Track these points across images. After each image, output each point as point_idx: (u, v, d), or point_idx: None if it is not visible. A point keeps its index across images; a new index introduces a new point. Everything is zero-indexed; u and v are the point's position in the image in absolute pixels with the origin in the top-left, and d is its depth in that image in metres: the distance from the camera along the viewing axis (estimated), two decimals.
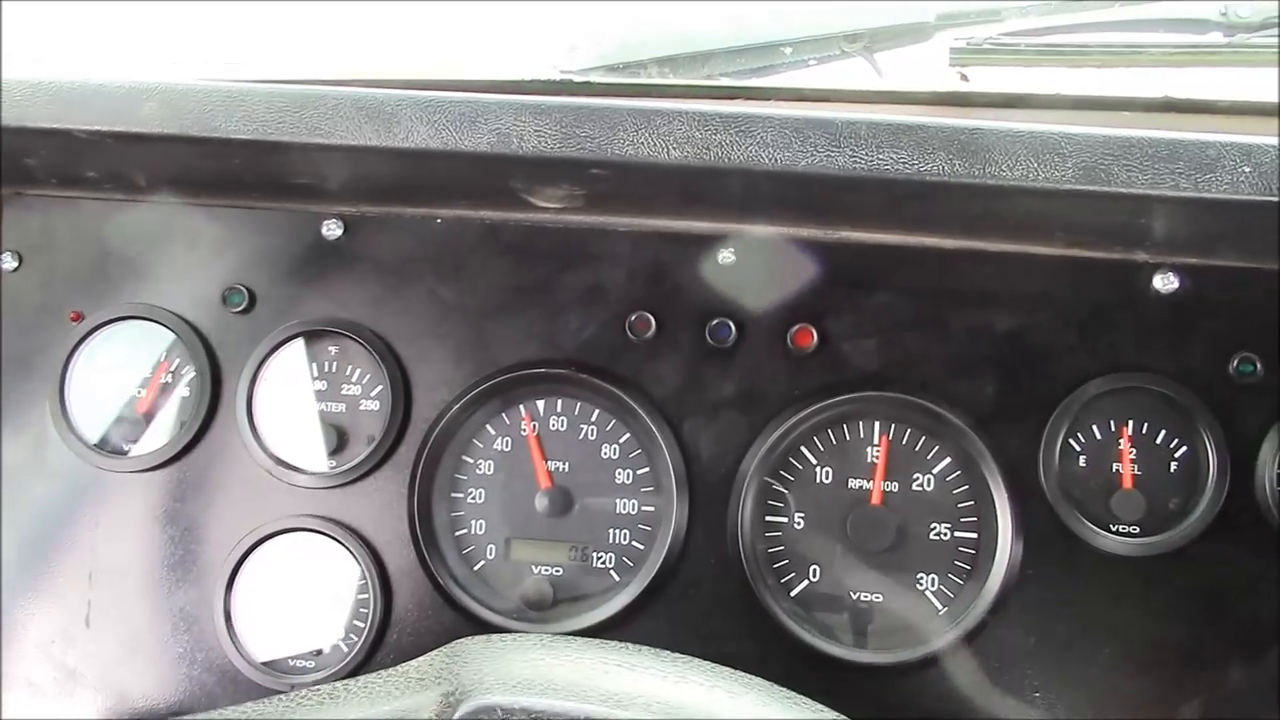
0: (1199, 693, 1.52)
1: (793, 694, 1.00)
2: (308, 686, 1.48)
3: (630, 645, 1.00)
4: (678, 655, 1.00)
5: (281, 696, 0.97)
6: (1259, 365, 1.52)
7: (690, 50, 2.02)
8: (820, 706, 0.99)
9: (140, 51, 1.84)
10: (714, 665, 1.00)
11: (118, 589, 1.64)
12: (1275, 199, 1.32)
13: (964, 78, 1.87)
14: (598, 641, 1.01)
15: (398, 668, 0.97)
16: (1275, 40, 1.84)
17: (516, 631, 1.54)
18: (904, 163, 1.37)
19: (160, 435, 1.66)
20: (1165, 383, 1.53)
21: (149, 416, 1.66)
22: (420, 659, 0.98)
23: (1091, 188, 1.35)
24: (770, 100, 1.76)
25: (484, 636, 1.00)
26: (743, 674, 1.00)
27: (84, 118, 1.47)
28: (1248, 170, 1.33)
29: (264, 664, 1.60)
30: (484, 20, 2.06)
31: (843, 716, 0.98)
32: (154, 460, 1.63)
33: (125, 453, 1.66)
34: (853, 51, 2.02)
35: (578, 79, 1.84)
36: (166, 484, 1.64)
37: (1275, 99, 1.69)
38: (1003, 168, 1.36)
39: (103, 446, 1.66)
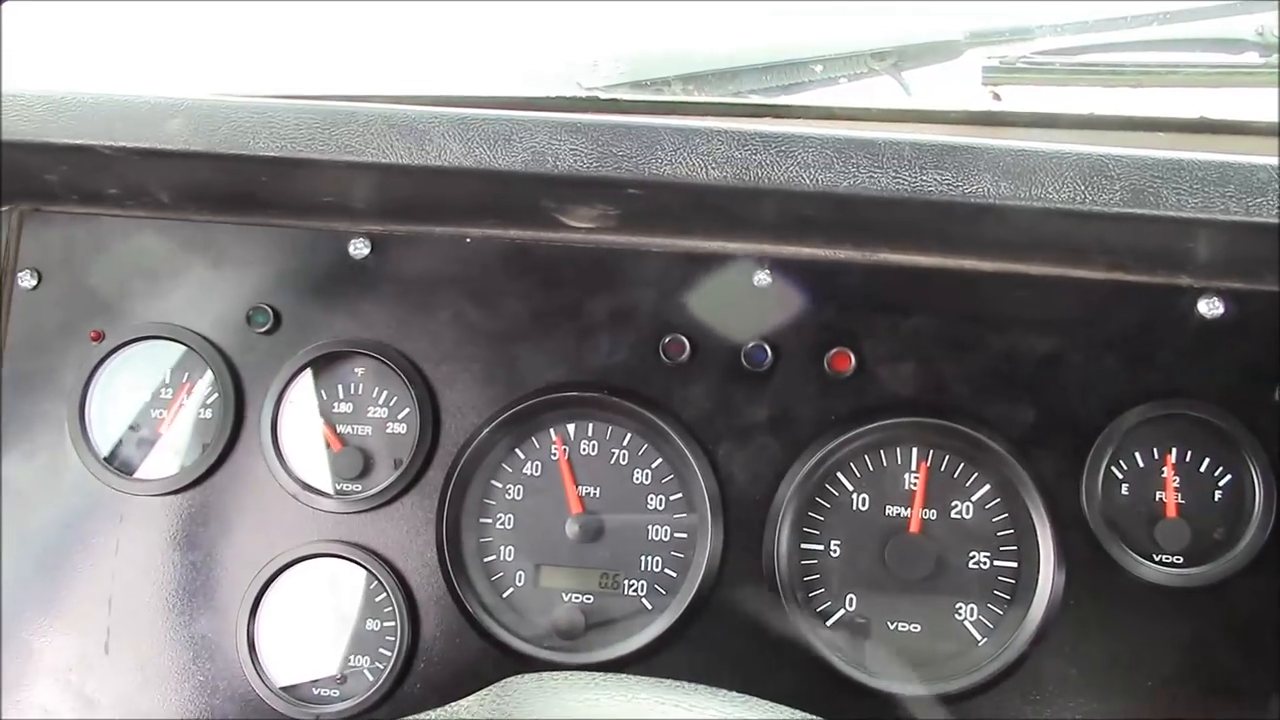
0: None
1: None
2: (336, 716, 1.47)
3: (687, 685, 0.97)
4: (736, 695, 0.97)
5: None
6: None
7: (715, 67, 2.00)
8: None
9: (163, 66, 1.81)
10: (774, 705, 0.96)
11: (138, 615, 1.60)
12: None
13: (996, 97, 1.85)
14: (653, 680, 0.98)
15: (447, 707, 0.94)
16: None
17: (547, 661, 1.52)
18: (949, 184, 1.34)
19: (182, 458, 1.63)
20: (1210, 409, 1.50)
21: (171, 439, 1.63)
22: (470, 698, 0.95)
23: (1141, 211, 1.32)
24: (799, 119, 1.74)
25: (536, 675, 0.97)
26: (804, 714, 0.97)
27: (108, 133, 1.44)
28: None
29: (288, 692, 1.57)
30: (503, 34, 2.04)
31: None
32: (175, 484, 1.60)
33: (146, 476, 1.62)
34: (881, 69, 2.00)
35: (604, 95, 1.82)
36: (188, 508, 1.61)
37: None
38: (1049, 190, 1.33)
39: (123, 469, 1.62)
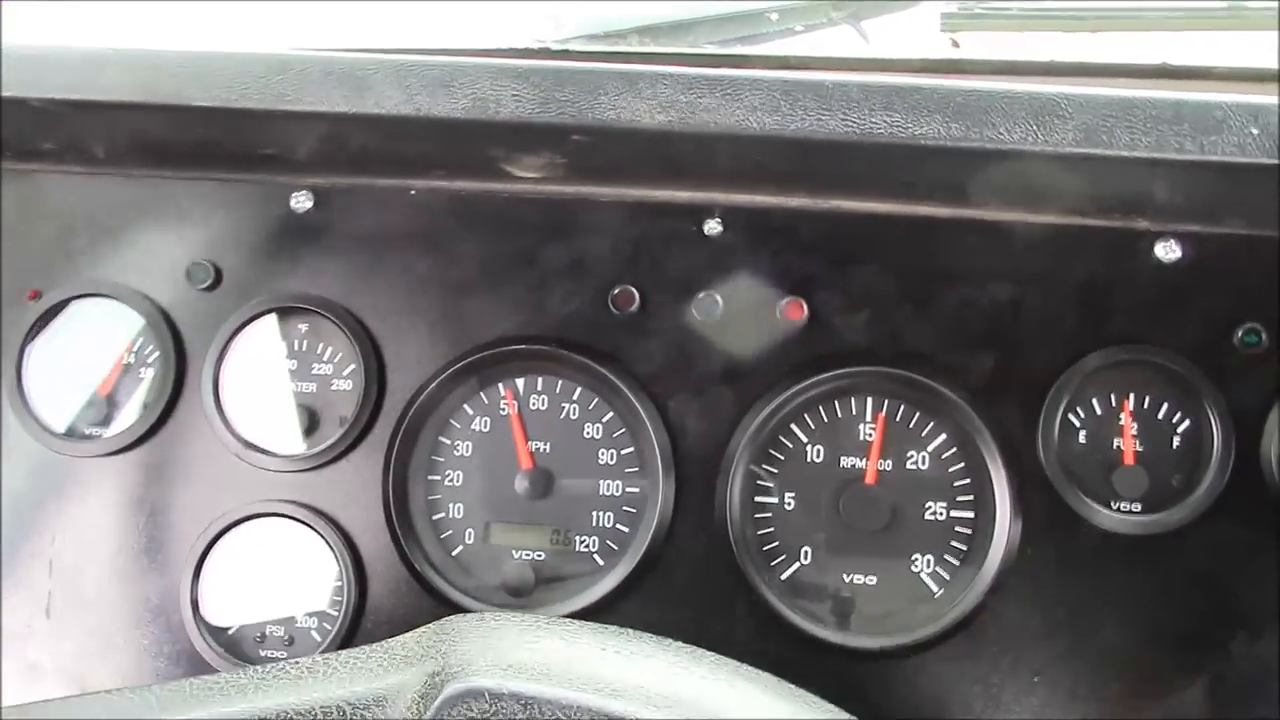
0: (1202, 672, 1.47)
1: (801, 691, 0.94)
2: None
3: (631, 631, 0.94)
4: (681, 644, 0.94)
5: (259, 668, 0.91)
6: (1264, 336, 1.47)
7: (673, 20, 1.97)
8: (831, 706, 0.93)
9: (98, 19, 1.77)
10: (718, 656, 0.94)
11: (80, 578, 1.57)
12: None
13: (955, 44, 1.83)
14: (597, 625, 0.95)
15: (383, 643, 0.91)
16: (1272, 4, 1.80)
17: None
18: (898, 126, 1.31)
19: (123, 418, 1.59)
20: (1167, 355, 1.48)
21: (111, 399, 1.60)
22: (408, 635, 0.92)
23: (1093, 150, 1.30)
24: (756, 68, 1.71)
25: (477, 615, 0.94)
26: (749, 668, 0.94)
27: (40, 85, 1.41)
28: (1255, 132, 1.28)
29: (234, 653, 1.54)
30: None
31: (851, 717, 0.92)
32: (117, 444, 1.57)
33: (87, 436, 1.59)
34: (840, 18, 1.98)
35: (555, 47, 1.78)
36: (130, 468, 1.58)
37: (1275, 64, 1.65)
38: (1000, 130, 1.31)
39: (63, 430, 1.59)
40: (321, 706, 0.85)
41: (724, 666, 0.93)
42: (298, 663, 0.90)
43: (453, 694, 0.83)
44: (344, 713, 0.85)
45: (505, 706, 0.82)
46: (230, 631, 1.56)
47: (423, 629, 0.93)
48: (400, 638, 0.92)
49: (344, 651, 0.91)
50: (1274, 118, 1.29)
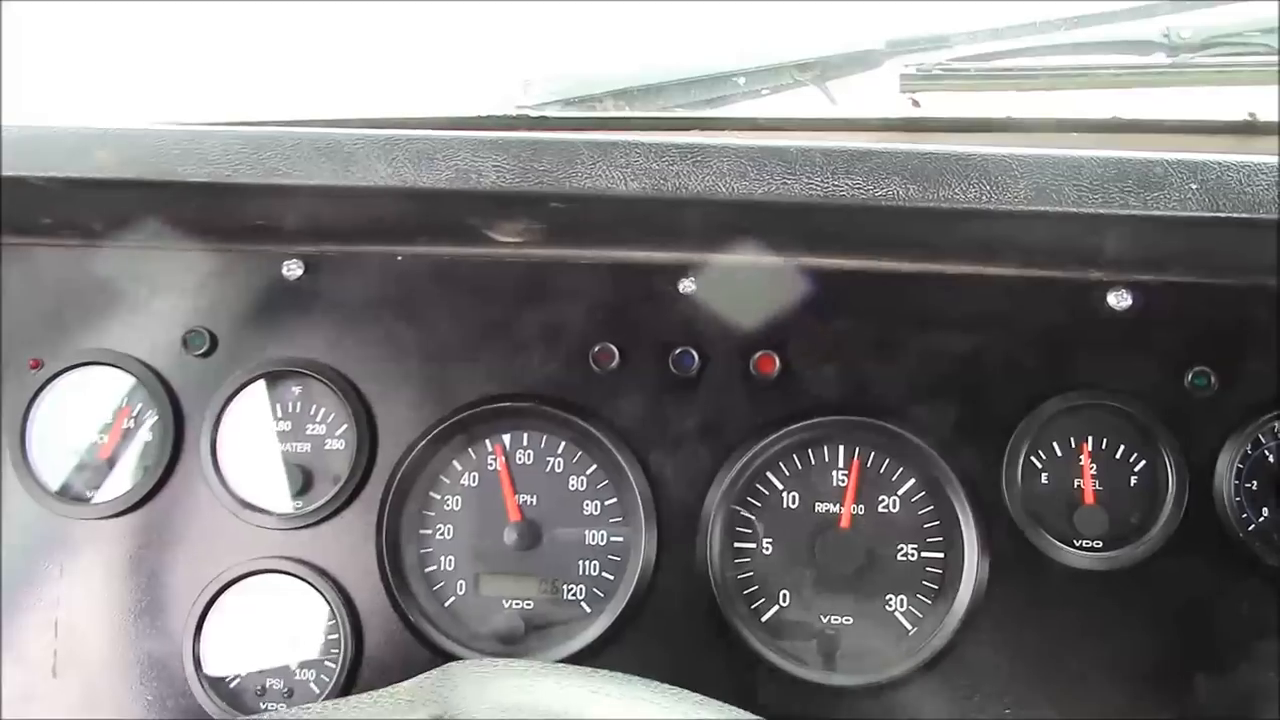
0: (1168, 704, 1.53)
1: None
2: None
3: (622, 675, 1.00)
4: (670, 686, 1.00)
5: (265, 715, 0.96)
6: (1213, 379, 1.54)
7: (643, 83, 2.03)
8: None
9: (91, 96, 1.83)
10: (705, 698, 0.99)
11: (85, 639, 1.62)
12: (1222, 215, 1.34)
13: (915, 103, 1.89)
14: (589, 669, 1.00)
15: (387, 689, 0.96)
16: (1217, 60, 1.88)
17: None
18: (859, 189, 1.38)
19: (123, 482, 1.64)
20: (1122, 399, 1.55)
21: (112, 463, 1.65)
22: (410, 681, 0.97)
23: (1044, 208, 1.37)
24: (726, 130, 1.78)
25: (475, 660, 1.00)
26: (738, 710, 0.99)
27: (37, 165, 1.46)
28: (1194, 187, 1.35)
29: (235, 708, 1.58)
30: (438, 57, 2.07)
31: None
32: (117, 507, 1.62)
33: (88, 500, 1.64)
34: (805, 80, 2.04)
35: (534, 114, 1.85)
36: (131, 530, 1.63)
37: (1219, 118, 1.73)
38: (956, 191, 1.37)
39: (65, 494, 1.65)
40: None
41: (713, 706, 0.99)
42: (308, 708, 0.94)
43: None
44: None
45: None
46: (231, 685, 1.60)
47: (424, 675, 0.98)
48: (402, 684, 0.97)
49: (349, 698, 0.96)
50: (1213, 173, 1.36)
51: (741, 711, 1.00)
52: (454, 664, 0.98)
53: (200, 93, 1.91)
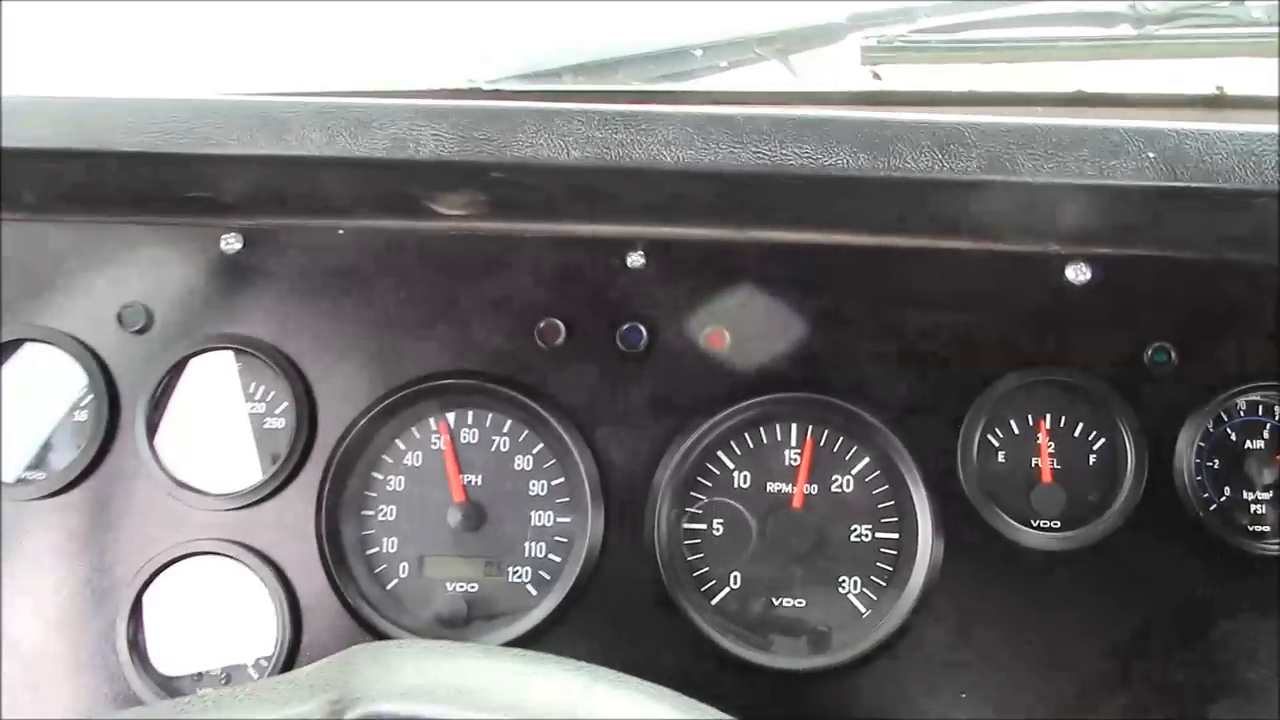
0: (1125, 684, 1.50)
1: (701, 705, 0.96)
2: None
3: (531, 653, 0.96)
4: (583, 664, 0.96)
5: (169, 702, 0.92)
6: (1173, 354, 1.51)
7: (604, 58, 1.99)
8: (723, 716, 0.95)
9: (22, 66, 1.78)
10: (620, 675, 0.96)
11: (15, 622, 1.57)
12: (1180, 184, 1.31)
13: (876, 76, 1.86)
14: (496, 648, 0.97)
15: (290, 673, 0.93)
16: (1184, 32, 1.85)
17: None
18: (808, 157, 1.34)
19: (57, 461, 1.60)
20: (1080, 375, 1.52)
21: (45, 442, 1.61)
22: (314, 665, 0.94)
23: (997, 177, 1.33)
24: (684, 104, 1.74)
25: (379, 643, 0.96)
26: (651, 685, 0.96)
27: None
28: (1152, 155, 1.32)
29: (172, 693, 1.54)
30: (395, 31, 2.03)
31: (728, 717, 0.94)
32: (50, 487, 1.57)
33: (20, 480, 1.60)
34: (767, 54, 2.01)
35: (487, 87, 1.81)
36: (64, 511, 1.58)
37: (1183, 91, 1.69)
38: (907, 159, 1.34)
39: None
40: None
41: (628, 683, 0.95)
42: (204, 695, 0.91)
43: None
44: None
45: None
46: (167, 672, 1.56)
47: (328, 659, 0.94)
48: (307, 667, 0.94)
49: (251, 684, 0.92)
50: (1170, 142, 1.33)
51: (663, 689, 0.96)
52: (356, 647, 0.95)
53: (135, 68, 1.87)
